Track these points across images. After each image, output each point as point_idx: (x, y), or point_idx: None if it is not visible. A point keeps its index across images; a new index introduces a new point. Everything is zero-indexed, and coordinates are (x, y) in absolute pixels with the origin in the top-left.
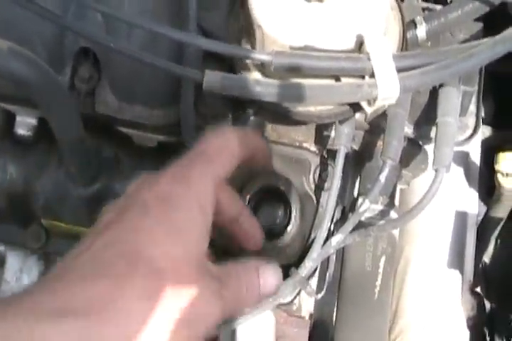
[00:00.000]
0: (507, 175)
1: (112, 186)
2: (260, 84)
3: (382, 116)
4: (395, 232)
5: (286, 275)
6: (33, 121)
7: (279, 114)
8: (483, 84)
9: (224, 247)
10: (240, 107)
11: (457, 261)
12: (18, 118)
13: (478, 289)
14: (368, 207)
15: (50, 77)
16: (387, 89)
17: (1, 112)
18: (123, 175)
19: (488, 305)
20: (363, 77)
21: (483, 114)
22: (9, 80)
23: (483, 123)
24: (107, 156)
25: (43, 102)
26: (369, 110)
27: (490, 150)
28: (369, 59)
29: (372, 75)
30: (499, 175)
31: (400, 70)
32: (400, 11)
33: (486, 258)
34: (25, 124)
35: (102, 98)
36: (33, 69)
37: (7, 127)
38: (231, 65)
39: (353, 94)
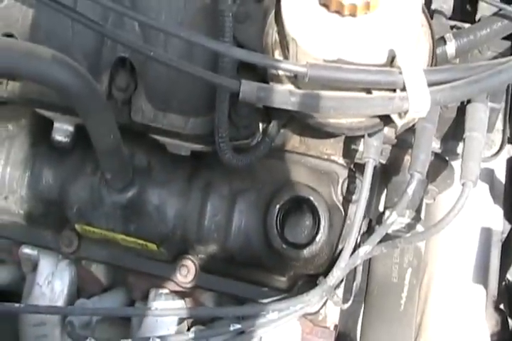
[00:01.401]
0: None
1: (145, 193)
2: (294, 95)
3: (410, 130)
4: (421, 245)
5: (314, 284)
6: (70, 128)
7: (310, 125)
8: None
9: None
10: (270, 119)
11: (481, 277)
12: (56, 125)
13: (501, 306)
14: (395, 220)
15: (91, 86)
16: (418, 102)
17: (39, 119)
18: (156, 183)
19: (511, 322)
20: (394, 91)
21: (509, 134)
22: (51, 87)
23: (509, 142)
24: (139, 164)
25: (83, 109)
26: (399, 123)
27: None
28: (400, 73)
29: (403, 89)
30: None
31: (430, 84)
32: (430, 27)
33: (510, 275)
34: (62, 131)
35: (138, 106)
36: (75, 78)
37: (44, 133)
38: (263, 76)
39: (385, 106)
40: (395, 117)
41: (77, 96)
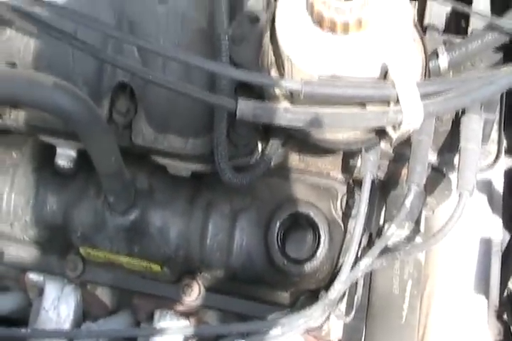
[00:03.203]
0: None
1: (147, 215)
2: (290, 112)
3: (407, 144)
4: (421, 257)
5: (316, 299)
6: (72, 153)
7: (307, 142)
8: (507, 115)
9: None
10: (269, 137)
11: (483, 286)
12: (59, 150)
13: (504, 316)
14: (394, 232)
15: (93, 111)
16: (411, 114)
17: (41, 146)
18: (157, 205)
19: None
20: (388, 104)
21: (505, 145)
22: (53, 114)
23: (507, 153)
24: (141, 186)
25: (85, 134)
26: (394, 135)
27: None
28: (394, 86)
29: (397, 102)
30: None
31: (423, 96)
32: (423, 42)
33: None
34: (65, 156)
35: (138, 130)
36: (76, 104)
37: (47, 160)
38: (260, 96)
39: (380, 119)
40: (389, 130)
41: (79, 121)
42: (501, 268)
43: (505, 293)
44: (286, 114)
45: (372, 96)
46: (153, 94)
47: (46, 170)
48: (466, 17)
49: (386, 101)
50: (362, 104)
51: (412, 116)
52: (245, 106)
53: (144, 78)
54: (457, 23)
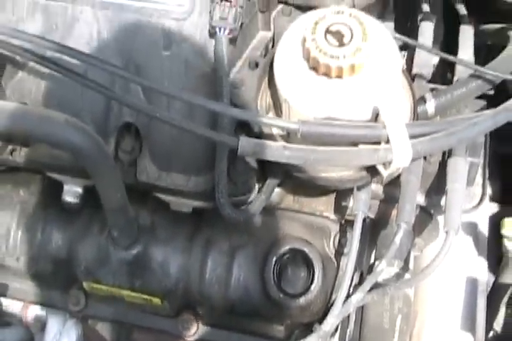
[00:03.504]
0: None
1: (149, 250)
2: (288, 149)
3: (396, 186)
4: (411, 294)
5: (310, 332)
6: (79, 190)
7: (303, 181)
8: (491, 163)
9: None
10: (266, 177)
11: (469, 326)
12: (66, 187)
13: None
14: (384, 268)
15: (102, 148)
16: (401, 153)
17: (48, 184)
18: (159, 240)
19: None
20: (379, 143)
21: (490, 191)
22: (65, 149)
23: (492, 200)
24: (143, 222)
25: (93, 170)
26: (385, 173)
27: (497, 225)
28: (384, 127)
29: (387, 141)
30: (505, 240)
31: (412, 137)
32: (411, 89)
33: (497, 325)
34: (72, 192)
35: (143, 167)
36: (87, 140)
37: (53, 197)
38: (258, 136)
39: (371, 157)
40: (380, 168)
41: (89, 157)
42: (487, 310)
43: (490, 334)
44: (285, 151)
45: (365, 135)
46: (157, 133)
47: (52, 207)
48: (452, 68)
49: (377, 142)
50: (354, 144)
51: (401, 154)
52: (247, 144)
53: (151, 116)
54: (443, 73)
